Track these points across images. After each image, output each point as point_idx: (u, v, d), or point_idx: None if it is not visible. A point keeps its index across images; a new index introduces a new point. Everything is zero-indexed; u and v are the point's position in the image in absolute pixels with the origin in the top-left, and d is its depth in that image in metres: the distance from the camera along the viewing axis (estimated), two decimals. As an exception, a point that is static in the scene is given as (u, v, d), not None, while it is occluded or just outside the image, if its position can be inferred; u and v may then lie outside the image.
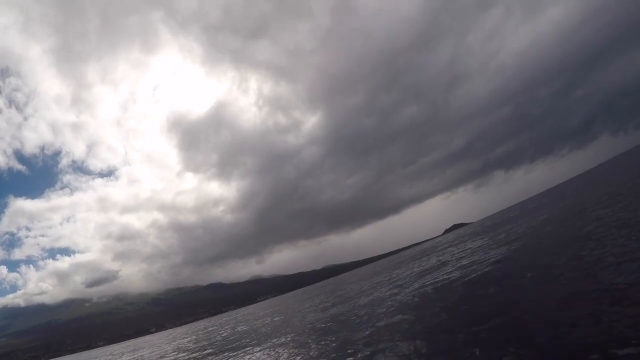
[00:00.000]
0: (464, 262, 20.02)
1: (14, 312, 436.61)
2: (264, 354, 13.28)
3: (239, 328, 30.70)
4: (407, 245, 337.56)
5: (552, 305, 7.67)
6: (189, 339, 37.78)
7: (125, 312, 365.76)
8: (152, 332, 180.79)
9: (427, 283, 17.04)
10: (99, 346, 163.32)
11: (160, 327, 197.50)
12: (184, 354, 22.20)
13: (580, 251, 11.26)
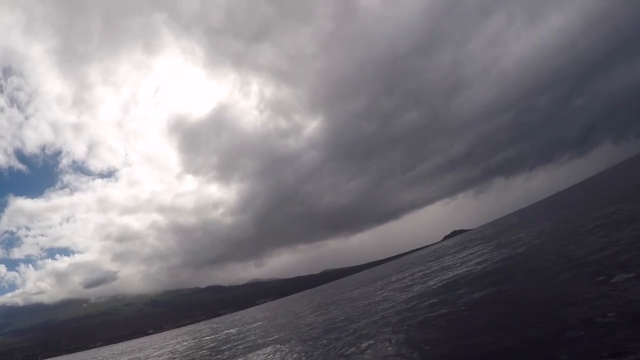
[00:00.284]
0: (463, 268, 19.99)
1: (12, 311, 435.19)
2: (264, 355, 13.29)
3: (233, 330, 30.60)
4: (406, 251, 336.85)
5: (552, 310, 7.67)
6: (186, 343, 37.62)
7: (123, 313, 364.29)
8: (149, 334, 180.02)
9: (426, 287, 17.04)
10: (96, 347, 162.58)
11: (158, 329, 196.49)
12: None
13: (581, 257, 11.26)
